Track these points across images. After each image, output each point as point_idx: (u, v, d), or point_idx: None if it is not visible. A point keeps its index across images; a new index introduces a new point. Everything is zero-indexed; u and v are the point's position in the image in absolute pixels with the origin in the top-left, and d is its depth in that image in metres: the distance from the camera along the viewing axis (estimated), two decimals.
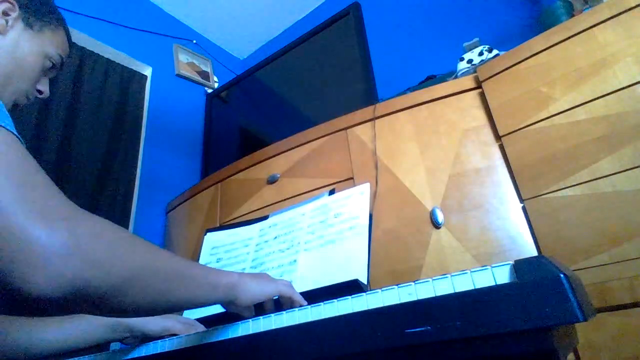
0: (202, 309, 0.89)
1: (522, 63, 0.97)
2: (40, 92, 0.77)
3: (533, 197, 0.89)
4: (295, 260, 0.91)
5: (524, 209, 0.90)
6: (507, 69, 0.99)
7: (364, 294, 0.49)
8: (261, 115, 1.83)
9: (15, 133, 0.45)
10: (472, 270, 0.42)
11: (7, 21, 0.69)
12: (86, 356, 0.81)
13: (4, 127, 0.44)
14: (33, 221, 0.37)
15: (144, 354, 0.68)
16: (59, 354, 0.76)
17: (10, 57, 0.68)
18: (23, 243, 0.36)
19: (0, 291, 0.36)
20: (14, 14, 0.70)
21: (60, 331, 0.75)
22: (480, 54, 1.18)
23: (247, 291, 0.59)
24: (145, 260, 0.45)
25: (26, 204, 0.38)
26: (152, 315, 0.66)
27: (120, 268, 0.41)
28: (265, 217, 1.09)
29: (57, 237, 0.37)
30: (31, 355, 0.72)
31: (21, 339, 0.72)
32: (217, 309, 0.80)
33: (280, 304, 0.66)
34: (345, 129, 1.22)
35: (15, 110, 0.72)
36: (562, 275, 0.35)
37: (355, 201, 0.93)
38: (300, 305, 0.63)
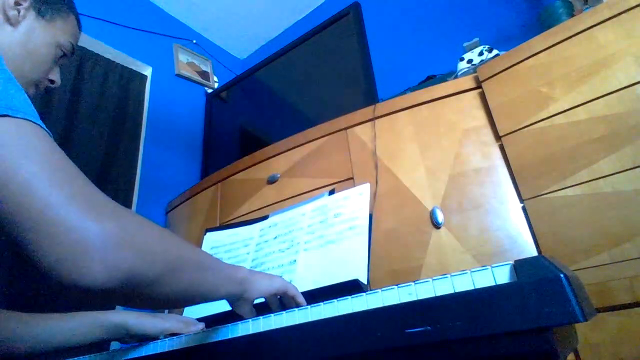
0: (201, 308, 0.90)
1: (522, 63, 0.97)
2: (52, 81, 0.75)
3: (533, 197, 0.89)
4: (295, 260, 0.91)
5: (524, 209, 0.90)
6: (507, 69, 0.99)
7: (364, 294, 0.49)
8: (261, 115, 1.83)
9: (46, 128, 0.46)
10: (472, 270, 0.42)
11: (19, 11, 0.67)
12: (86, 356, 0.81)
13: (38, 124, 0.44)
14: (85, 215, 0.38)
15: (144, 354, 0.68)
16: (56, 351, 0.76)
17: (23, 48, 0.67)
18: (77, 236, 0.37)
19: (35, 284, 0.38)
20: (26, 4, 0.68)
21: (59, 329, 0.75)
22: (480, 54, 1.18)
23: (256, 285, 0.61)
24: (183, 251, 0.48)
25: (75, 198, 0.39)
26: (183, 307, 0.68)
27: (166, 257, 0.44)
28: (265, 217, 1.09)
29: (110, 229, 0.39)
30: (27, 350, 0.72)
31: (17, 333, 0.72)
32: (218, 308, 0.80)
33: (283, 303, 0.66)
34: (345, 129, 1.22)
35: None
36: (562, 275, 0.35)
37: (355, 201, 0.93)
38: (301, 306, 0.64)
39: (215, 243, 1.12)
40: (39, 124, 0.44)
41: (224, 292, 0.56)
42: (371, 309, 0.46)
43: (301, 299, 0.66)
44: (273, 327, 0.54)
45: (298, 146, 1.30)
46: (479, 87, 1.05)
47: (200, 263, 0.51)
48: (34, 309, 0.77)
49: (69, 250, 0.37)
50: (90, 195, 0.42)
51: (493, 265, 0.41)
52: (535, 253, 0.86)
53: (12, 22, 0.66)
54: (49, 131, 0.46)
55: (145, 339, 0.78)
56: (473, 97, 1.06)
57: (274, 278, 0.65)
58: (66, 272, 0.37)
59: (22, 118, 0.43)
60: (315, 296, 0.65)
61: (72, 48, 0.76)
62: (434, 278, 0.45)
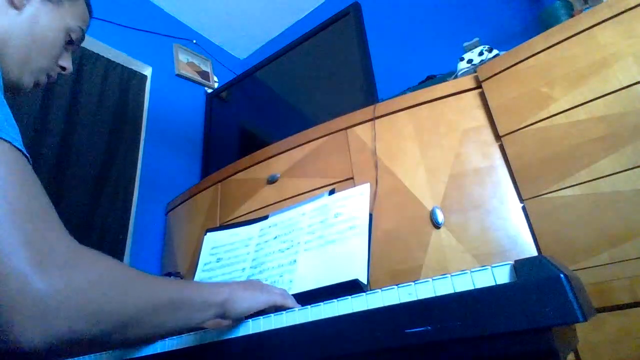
0: None
1: (522, 63, 0.97)
2: (63, 68, 0.71)
3: (533, 197, 0.89)
4: (295, 260, 0.91)
5: (524, 209, 0.90)
6: (507, 69, 0.99)
7: (364, 294, 0.49)
8: (261, 115, 1.82)
9: (22, 148, 0.42)
10: (472, 270, 0.42)
11: None
12: (86, 356, 0.81)
13: (9, 142, 0.40)
14: (32, 265, 0.35)
15: (144, 354, 0.68)
16: None
17: (29, 33, 0.63)
18: (19, 292, 0.34)
19: None
20: None
21: None
22: (480, 54, 1.18)
23: (238, 305, 0.56)
24: (141, 301, 0.43)
25: (28, 244, 0.36)
26: (148, 344, 0.64)
27: (115, 315, 0.40)
28: (265, 217, 1.09)
29: (55, 285, 0.35)
30: None
31: None
32: None
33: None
34: (345, 129, 1.22)
35: (36, 89, 0.68)
36: (562, 275, 0.35)
37: (355, 201, 0.93)
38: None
39: (216, 243, 1.12)
40: (12, 144, 0.40)
41: (203, 319, 0.52)
42: (371, 309, 0.46)
43: (291, 305, 0.63)
44: (273, 327, 0.54)
45: (298, 146, 1.30)
46: (479, 87, 1.05)
47: (170, 302, 0.47)
48: None
49: (10, 308, 0.33)
50: (46, 241, 0.37)
51: (493, 265, 0.42)
52: (535, 253, 0.86)
53: (16, 5, 0.62)
54: (26, 154, 0.42)
55: None
56: (473, 97, 1.06)
57: (258, 295, 0.60)
58: (4, 332, 0.33)
59: None
60: (315, 296, 0.65)
61: (82, 33, 0.72)
62: (434, 278, 0.45)
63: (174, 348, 0.64)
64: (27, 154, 0.43)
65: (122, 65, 1.80)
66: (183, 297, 0.49)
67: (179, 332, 0.51)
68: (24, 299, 0.34)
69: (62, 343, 0.35)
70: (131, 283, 0.44)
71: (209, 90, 2.18)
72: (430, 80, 1.37)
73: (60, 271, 0.36)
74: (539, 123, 0.92)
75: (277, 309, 0.63)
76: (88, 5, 0.75)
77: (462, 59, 1.22)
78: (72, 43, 0.71)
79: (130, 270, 0.45)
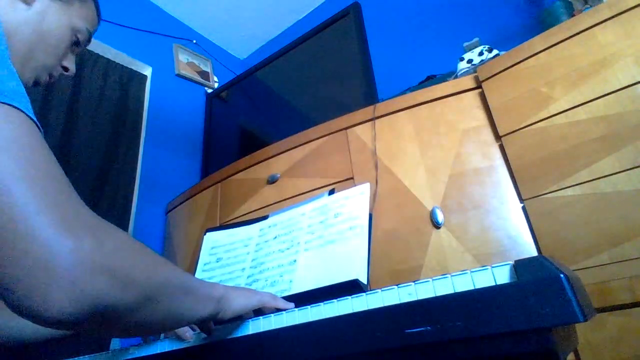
0: None
1: (522, 63, 0.97)
2: (66, 69, 0.72)
3: (533, 197, 0.89)
4: (295, 260, 0.91)
5: (524, 209, 0.90)
6: (507, 69, 0.99)
7: (364, 294, 0.49)
8: (261, 115, 1.83)
9: (35, 119, 0.41)
10: (472, 270, 0.42)
11: None
12: (87, 356, 0.81)
13: (27, 114, 0.39)
14: (59, 227, 0.33)
15: (144, 354, 0.68)
16: (47, 341, 0.75)
17: (36, 29, 0.62)
18: (47, 255, 0.31)
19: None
20: None
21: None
22: (480, 54, 1.18)
23: (232, 303, 0.56)
24: (162, 276, 0.43)
25: (52, 207, 0.34)
26: (158, 334, 0.63)
27: (143, 284, 0.39)
28: (265, 217, 1.09)
29: (85, 247, 0.33)
30: (11, 341, 0.71)
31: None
32: None
33: (263, 313, 0.64)
34: (345, 129, 1.22)
35: (36, 87, 0.68)
36: (562, 275, 0.35)
37: (355, 201, 0.93)
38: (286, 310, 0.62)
39: (215, 243, 1.12)
40: (28, 115, 0.39)
41: (201, 314, 0.50)
42: (371, 309, 0.46)
43: (282, 305, 0.63)
44: (273, 327, 0.54)
45: (298, 146, 1.30)
46: (479, 87, 1.05)
47: (182, 286, 0.46)
48: None
49: (38, 273, 0.31)
50: (69, 205, 0.36)
51: (493, 265, 0.42)
52: (535, 253, 0.86)
53: (26, 0, 0.62)
54: (39, 125, 0.41)
55: None
56: (473, 97, 1.06)
57: (249, 296, 0.60)
58: (31, 300, 0.31)
59: (8, 104, 0.37)
60: (315, 296, 0.65)
61: (89, 35, 0.72)
62: (434, 278, 0.45)
63: (174, 348, 0.64)
64: (39, 124, 0.42)
65: (122, 65, 1.80)
66: (191, 284, 0.49)
67: (185, 322, 0.49)
68: (51, 262, 0.31)
69: (91, 311, 0.33)
70: (153, 256, 0.43)
71: (209, 90, 2.18)
72: (430, 80, 1.37)
73: (88, 232, 0.35)
74: (539, 123, 0.92)
75: (265, 311, 0.62)
76: (97, 8, 0.75)
77: (462, 59, 1.22)
78: (77, 44, 0.71)
79: (147, 247, 0.45)
